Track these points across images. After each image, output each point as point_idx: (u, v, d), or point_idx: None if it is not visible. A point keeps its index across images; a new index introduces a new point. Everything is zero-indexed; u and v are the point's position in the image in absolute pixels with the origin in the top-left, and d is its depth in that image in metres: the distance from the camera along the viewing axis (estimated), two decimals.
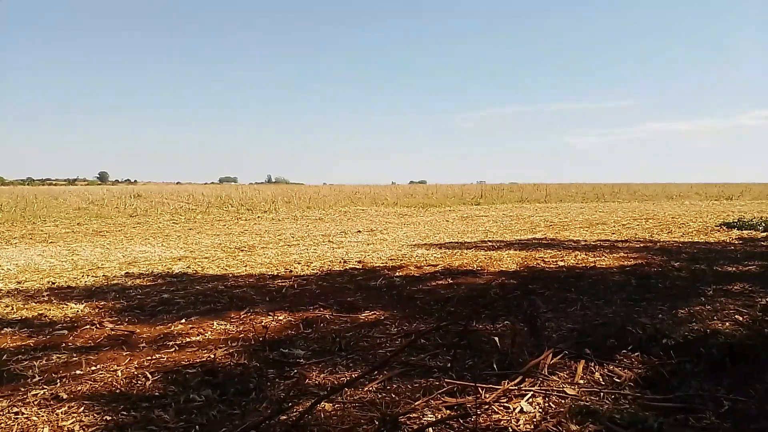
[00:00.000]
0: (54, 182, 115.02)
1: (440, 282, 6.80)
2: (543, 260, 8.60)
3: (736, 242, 11.20)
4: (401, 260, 8.80)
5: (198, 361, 3.83)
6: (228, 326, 4.82)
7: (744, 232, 13.39)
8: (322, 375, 3.52)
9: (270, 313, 5.25)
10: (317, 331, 4.59)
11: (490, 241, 11.92)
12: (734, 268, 7.46)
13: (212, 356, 3.93)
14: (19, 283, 7.12)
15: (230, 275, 7.58)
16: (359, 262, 8.65)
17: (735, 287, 6.00)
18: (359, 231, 14.67)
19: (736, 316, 4.55)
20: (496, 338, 3.66)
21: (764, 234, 12.82)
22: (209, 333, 4.61)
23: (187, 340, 4.42)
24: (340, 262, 8.69)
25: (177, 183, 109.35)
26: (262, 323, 4.88)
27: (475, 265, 8.09)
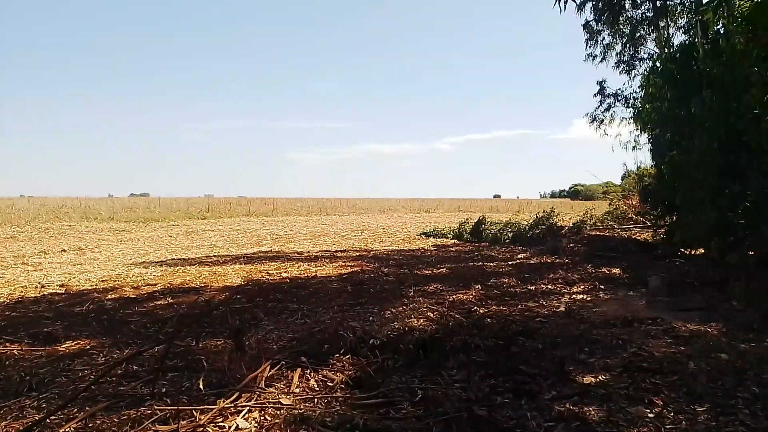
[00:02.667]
0: None
1: (159, 302, 6.37)
2: (268, 272, 8.72)
3: (432, 249, 12.98)
4: (115, 281, 8.01)
5: None
6: None
7: (438, 240, 15.62)
8: (3, 423, 2.98)
9: None
10: (1, 371, 3.88)
11: (215, 256, 11.63)
12: (430, 271, 8.60)
13: None
14: None
15: None
16: (62, 285, 7.61)
17: (430, 288, 6.92)
18: (64, 250, 12.92)
19: (429, 313, 5.25)
20: (208, 357, 3.55)
21: (453, 241, 15.15)
22: None
23: None
24: (36, 287, 7.51)
25: None
26: None
27: (198, 282, 7.80)
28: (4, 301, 6.51)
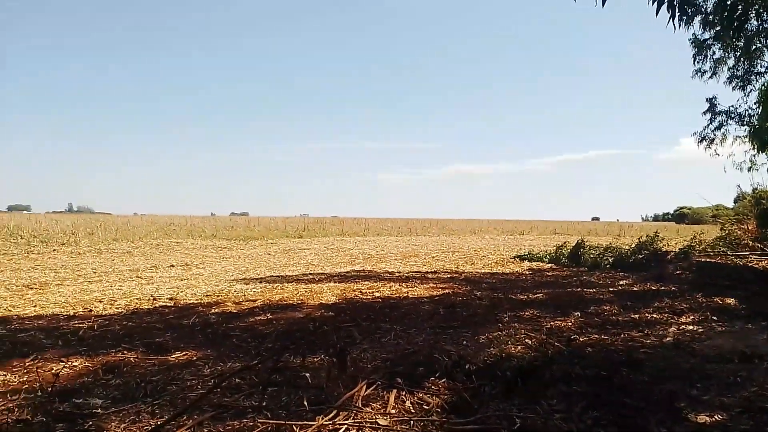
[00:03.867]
0: None
1: (259, 318, 6.64)
2: (361, 292, 8.86)
3: (527, 273, 12.65)
4: (218, 296, 8.45)
5: None
6: (8, 377, 4.18)
7: (533, 263, 15.20)
8: (123, 425, 3.20)
9: (63, 360, 4.67)
10: (119, 377, 4.19)
11: (311, 274, 11.98)
12: (525, 296, 8.37)
13: None
14: None
15: (14, 317, 6.63)
16: (171, 299, 8.12)
17: (526, 313, 6.74)
18: (172, 265, 13.82)
19: (526, 340, 5.10)
20: (308, 374, 3.63)
21: (549, 265, 14.68)
22: None
23: None
24: (149, 299, 8.07)
25: None
26: (53, 371, 4.32)
27: (295, 299, 8.06)
28: (122, 312, 7.04)
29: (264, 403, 3.53)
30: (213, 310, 7.13)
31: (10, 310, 7.11)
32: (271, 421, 3.06)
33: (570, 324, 6.07)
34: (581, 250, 14.80)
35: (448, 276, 11.62)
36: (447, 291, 8.96)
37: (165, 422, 3.00)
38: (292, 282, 10.32)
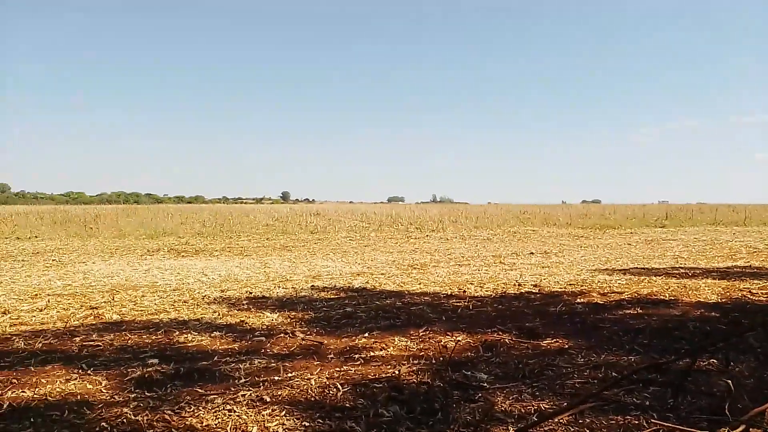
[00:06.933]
0: (244, 201, 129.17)
1: (628, 311, 6.28)
2: (750, 291, 7.58)
3: None
4: (581, 285, 8.32)
5: (383, 376, 3.94)
6: (408, 343, 4.91)
7: None
8: (507, 402, 3.41)
9: (448, 333, 5.25)
10: (498, 356, 4.48)
11: (681, 268, 10.80)
12: None
13: (396, 372, 4.01)
14: (222, 291, 7.99)
15: (406, 292, 7.76)
16: (535, 285, 8.34)
17: None
18: (532, 253, 14.21)
19: None
20: (729, 381, 3.19)
21: None
22: (391, 348, 4.73)
23: (371, 354, 4.57)
24: (514, 284, 8.45)
25: (350, 202, 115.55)
26: (441, 342, 4.90)
27: (666, 295, 7.37)
28: (491, 294, 7.54)
29: (647, 402, 3.32)
30: (578, 300, 7.05)
31: (401, 286, 8.35)
32: (663, 424, 2.84)
33: None
34: None
35: None
36: None
37: (565, 408, 3.07)
38: (660, 275, 9.48)
